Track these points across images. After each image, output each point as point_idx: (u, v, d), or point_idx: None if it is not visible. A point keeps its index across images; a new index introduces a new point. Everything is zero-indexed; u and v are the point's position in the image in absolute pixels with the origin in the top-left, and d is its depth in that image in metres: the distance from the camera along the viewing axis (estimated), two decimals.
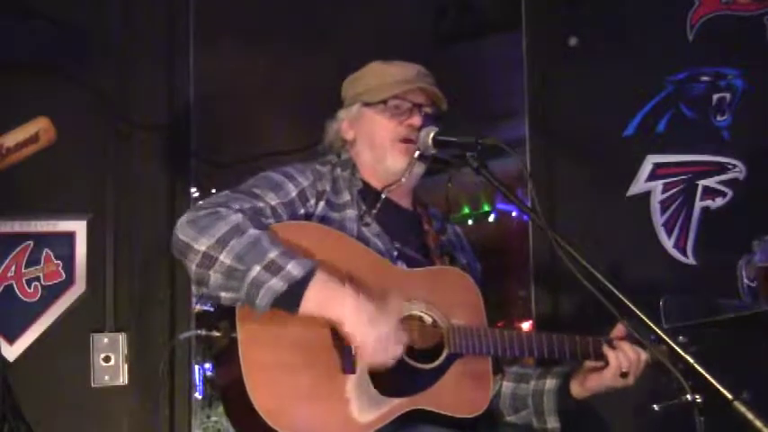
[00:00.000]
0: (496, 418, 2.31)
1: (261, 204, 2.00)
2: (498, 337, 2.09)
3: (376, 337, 1.86)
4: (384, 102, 2.21)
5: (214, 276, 1.84)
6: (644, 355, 2.12)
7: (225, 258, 1.83)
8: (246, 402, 1.81)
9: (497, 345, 2.09)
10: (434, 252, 2.24)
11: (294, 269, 1.82)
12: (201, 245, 1.85)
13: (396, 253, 2.15)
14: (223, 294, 1.86)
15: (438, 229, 2.34)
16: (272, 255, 1.83)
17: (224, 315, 1.91)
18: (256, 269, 1.81)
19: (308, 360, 1.88)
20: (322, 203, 2.12)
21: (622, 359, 2.11)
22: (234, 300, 1.85)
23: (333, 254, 1.97)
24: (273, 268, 1.81)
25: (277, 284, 1.80)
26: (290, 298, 1.82)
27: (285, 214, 2.04)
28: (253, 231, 1.86)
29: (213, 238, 1.85)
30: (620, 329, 2.17)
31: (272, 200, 2.03)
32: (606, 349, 2.13)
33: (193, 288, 1.96)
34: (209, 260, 1.84)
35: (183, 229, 1.90)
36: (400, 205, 2.28)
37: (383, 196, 2.21)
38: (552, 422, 2.22)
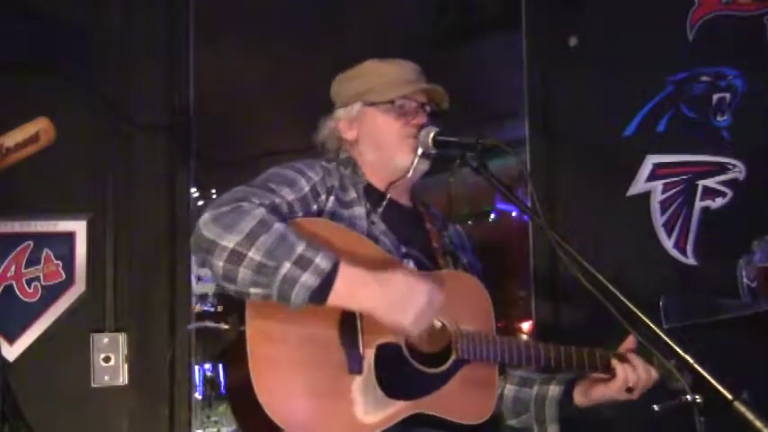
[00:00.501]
0: (498, 422, 2.30)
1: (278, 200, 2.00)
2: (506, 345, 2.08)
3: (415, 313, 1.87)
4: (391, 102, 2.21)
5: (243, 272, 1.82)
6: (654, 374, 2.12)
7: (254, 254, 1.81)
8: (251, 397, 1.80)
9: (505, 352, 2.08)
10: (437, 251, 2.23)
11: (322, 262, 1.82)
12: (229, 241, 1.83)
13: (403, 250, 2.15)
14: (252, 290, 1.84)
15: (440, 228, 2.33)
16: (300, 249, 1.82)
17: (233, 309, 1.90)
18: (287, 265, 1.80)
19: (316, 358, 1.88)
20: (332, 198, 2.11)
21: (630, 374, 2.11)
22: (264, 296, 1.84)
23: (348, 251, 1.96)
24: (303, 262, 1.81)
25: (309, 279, 1.80)
26: (320, 291, 1.82)
27: (300, 210, 2.04)
28: (278, 225, 1.86)
29: (241, 234, 1.83)
30: (630, 342, 2.16)
31: (288, 195, 2.03)
32: (615, 362, 2.13)
33: (219, 285, 1.93)
34: (237, 256, 1.82)
35: (207, 227, 1.86)
36: (400, 203, 2.28)
37: (388, 196, 2.21)
38: (552, 430, 2.21)
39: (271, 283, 1.81)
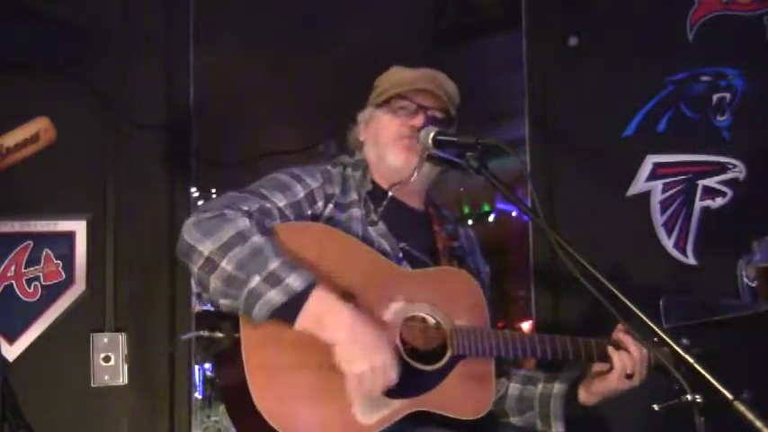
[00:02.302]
0: (499, 419, 2.30)
1: (268, 205, 2.00)
2: (501, 339, 2.09)
3: (366, 367, 1.84)
4: (388, 101, 2.23)
5: (214, 282, 1.84)
6: (648, 355, 2.12)
7: (226, 265, 1.83)
8: (249, 403, 1.81)
9: (500, 346, 2.08)
10: (443, 253, 2.24)
11: (294, 282, 1.82)
12: (205, 248, 1.85)
13: (401, 254, 2.15)
14: (222, 301, 1.86)
15: (450, 232, 2.33)
16: (273, 266, 1.82)
17: (227, 315, 1.91)
18: (256, 279, 1.81)
19: (311, 361, 1.87)
20: (330, 206, 2.12)
21: (626, 361, 2.11)
22: (232, 307, 1.86)
23: (335, 255, 1.97)
24: (273, 280, 1.81)
25: (275, 297, 1.80)
26: (288, 311, 1.82)
27: (292, 215, 2.04)
28: (257, 239, 1.86)
29: (217, 243, 1.85)
30: (619, 330, 2.16)
31: (280, 201, 2.04)
32: (610, 351, 2.13)
33: (194, 287, 1.96)
34: (210, 265, 1.84)
35: (188, 231, 1.89)
36: (408, 205, 2.28)
37: (390, 195, 2.21)
38: (558, 427, 2.21)
39: (238, 296, 1.82)
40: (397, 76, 2.28)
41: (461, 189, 2.27)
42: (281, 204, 2.03)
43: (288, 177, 2.11)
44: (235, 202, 1.96)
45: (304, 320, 1.83)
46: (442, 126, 2.20)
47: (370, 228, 2.13)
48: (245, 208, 1.94)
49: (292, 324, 1.83)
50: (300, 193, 2.08)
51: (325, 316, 1.83)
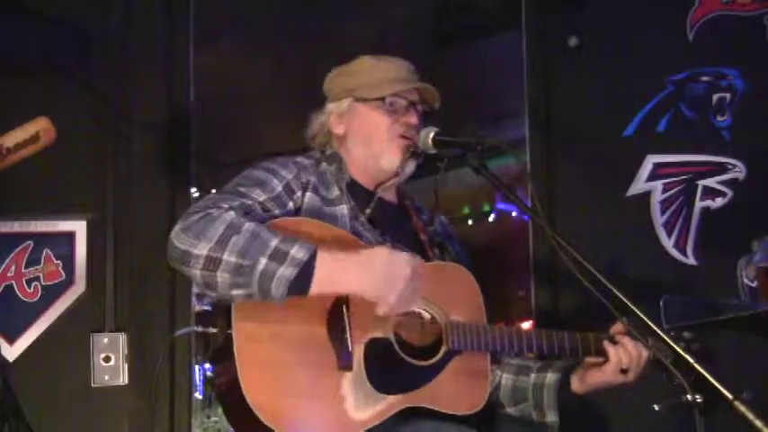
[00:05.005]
0: (495, 410, 2.30)
1: (249, 202, 2.01)
2: (497, 334, 2.09)
3: (398, 289, 1.90)
4: (382, 99, 2.21)
5: (222, 277, 1.84)
6: (645, 353, 2.11)
7: (229, 257, 1.83)
8: (241, 399, 1.81)
9: (496, 341, 2.09)
10: (425, 243, 2.24)
11: (298, 252, 1.83)
12: (202, 249, 1.85)
13: (389, 246, 2.14)
14: (234, 292, 1.86)
15: (425, 221, 2.34)
16: (274, 243, 1.84)
17: (220, 312, 1.91)
18: (263, 261, 1.82)
19: (304, 357, 1.88)
20: (309, 194, 2.12)
21: (623, 355, 2.10)
22: (246, 296, 1.85)
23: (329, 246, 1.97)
24: (279, 256, 1.82)
25: (286, 271, 1.81)
26: (299, 283, 1.83)
27: (276, 209, 2.05)
28: (249, 225, 1.87)
29: (212, 241, 1.85)
30: (619, 326, 2.16)
31: (260, 196, 2.04)
32: (607, 345, 2.12)
33: (196, 289, 1.95)
34: (213, 262, 1.84)
35: (178, 238, 1.89)
36: (386, 199, 2.27)
37: (378, 195, 2.21)
38: (551, 416, 2.21)
39: (250, 282, 1.83)
40: (380, 70, 2.25)
41: (437, 177, 2.25)
42: (261, 199, 2.03)
43: (263, 173, 2.11)
44: (215, 202, 1.96)
45: (316, 286, 1.84)
46: (425, 120, 2.21)
47: (356, 223, 2.13)
48: (227, 205, 1.94)
49: (306, 294, 1.84)
50: (278, 186, 2.08)
51: (335, 274, 1.86)
